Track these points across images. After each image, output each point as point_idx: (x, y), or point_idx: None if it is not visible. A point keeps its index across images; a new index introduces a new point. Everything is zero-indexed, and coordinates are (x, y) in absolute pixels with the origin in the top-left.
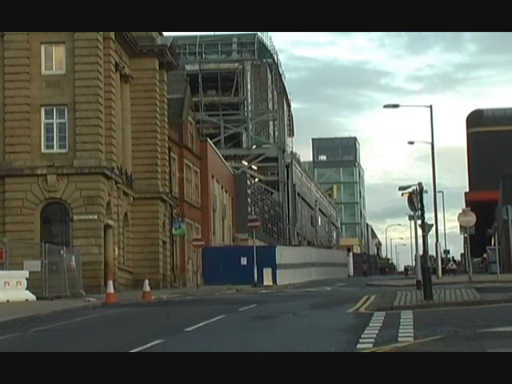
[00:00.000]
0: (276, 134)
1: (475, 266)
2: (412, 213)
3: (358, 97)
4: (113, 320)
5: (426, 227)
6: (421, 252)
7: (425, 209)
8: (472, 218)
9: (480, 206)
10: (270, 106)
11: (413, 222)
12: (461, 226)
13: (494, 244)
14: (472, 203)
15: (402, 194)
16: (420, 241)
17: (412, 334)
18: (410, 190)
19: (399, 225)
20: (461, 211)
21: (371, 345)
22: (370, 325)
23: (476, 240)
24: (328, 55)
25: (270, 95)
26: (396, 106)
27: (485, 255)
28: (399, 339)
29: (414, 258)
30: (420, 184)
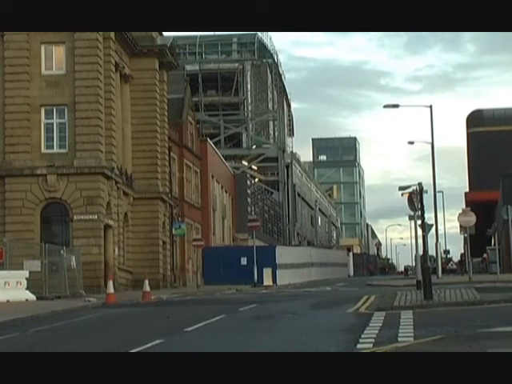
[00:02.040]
0: (276, 134)
1: (475, 266)
2: (412, 213)
3: (357, 97)
4: (113, 320)
5: (425, 227)
6: (421, 252)
7: (425, 209)
8: (472, 218)
9: (480, 206)
10: (270, 106)
11: (413, 222)
12: (461, 226)
13: (494, 244)
14: (472, 203)
15: (402, 194)
16: (420, 241)
17: (412, 334)
18: (410, 190)
19: (399, 225)
20: (461, 211)
21: (371, 345)
22: (370, 325)
23: (476, 240)
24: (327, 55)
25: (270, 95)
26: (396, 105)
27: (485, 255)
28: (399, 339)
29: (413, 257)
30: (420, 184)
